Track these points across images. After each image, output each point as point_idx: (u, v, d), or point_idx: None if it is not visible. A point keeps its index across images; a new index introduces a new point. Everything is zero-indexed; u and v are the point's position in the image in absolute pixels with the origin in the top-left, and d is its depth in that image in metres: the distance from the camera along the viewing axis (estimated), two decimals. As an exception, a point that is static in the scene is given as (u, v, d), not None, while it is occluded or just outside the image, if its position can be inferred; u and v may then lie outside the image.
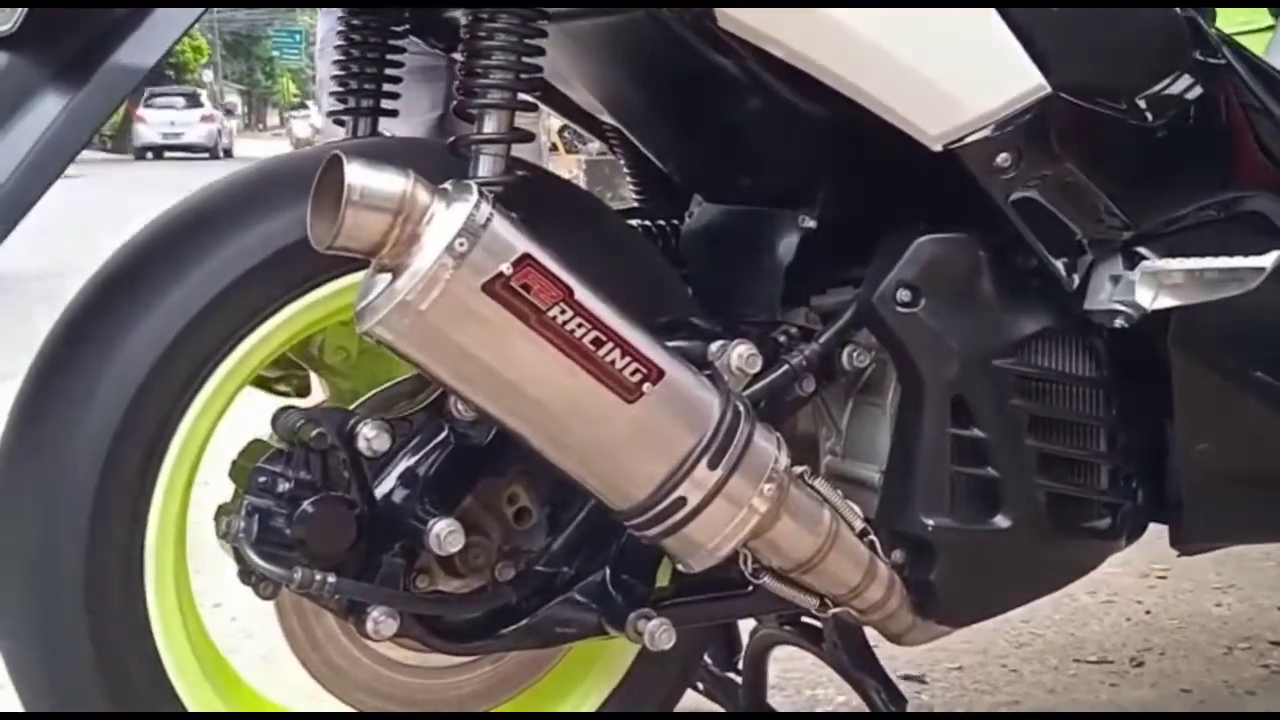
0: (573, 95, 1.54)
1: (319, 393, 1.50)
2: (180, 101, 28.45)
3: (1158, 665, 1.98)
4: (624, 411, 1.11)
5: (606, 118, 1.56)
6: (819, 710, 1.76)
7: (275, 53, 49.04)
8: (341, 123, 1.42)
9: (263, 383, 1.48)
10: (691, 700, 1.51)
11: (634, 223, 1.56)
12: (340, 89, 1.42)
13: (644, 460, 1.14)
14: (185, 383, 1.16)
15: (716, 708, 1.65)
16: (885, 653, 1.50)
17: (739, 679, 1.69)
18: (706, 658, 1.72)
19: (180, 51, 27.50)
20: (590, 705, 1.38)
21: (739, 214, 1.48)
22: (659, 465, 1.14)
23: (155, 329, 1.15)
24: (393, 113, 1.43)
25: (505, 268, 1.05)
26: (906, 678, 1.89)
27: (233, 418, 1.24)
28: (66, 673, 1.16)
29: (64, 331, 1.18)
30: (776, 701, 1.74)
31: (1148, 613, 2.19)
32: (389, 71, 1.42)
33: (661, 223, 1.57)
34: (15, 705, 1.19)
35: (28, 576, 1.15)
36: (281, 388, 1.50)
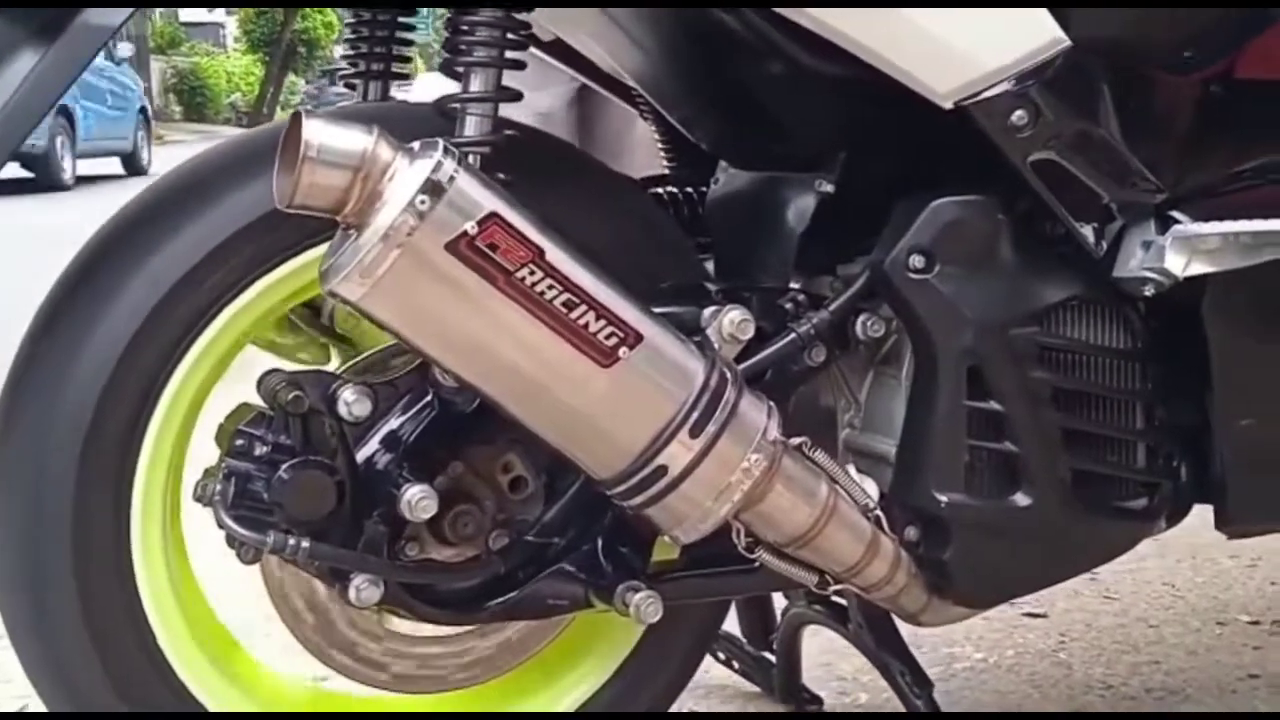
0: (594, 60, 1.51)
1: (336, 363, 1.50)
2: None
3: (1302, 629, 1.92)
4: (600, 377, 1.08)
5: (631, 82, 1.53)
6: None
7: (403, 30, 49.76)
8: (352, 86, 1.41)
9: (284, 351, 1.48)
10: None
11: (660, 190, 1.52)
12: (352, 52, 1.40)
13: (623, 427, 1.10)
14: (170, 347, 1.16)
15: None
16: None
17: (773, 658, 1.66)
18: (741, 636, 1.69)
19: (312, 28, 28.26)
20: (602, 675, 1.36)
21: (759, 180, 1.43)
22: (638, 433, 1.10)
23: (140, 294, 1.15)
24: (405, 76, 1.42)
25: (470, 226, 1.02)
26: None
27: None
28: (55, 632, 1.17)
29: (57, 294, 1.18)
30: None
31: (1291, 576, 2.13)
32: (400, 34, 1.40)
33: (689, 190, 1.53)
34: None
35: (17, 536, 1.16)
36: (302, 356, 1.49)
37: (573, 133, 2.22)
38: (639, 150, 2.10)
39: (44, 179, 10.50)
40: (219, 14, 29.71)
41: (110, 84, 12.76)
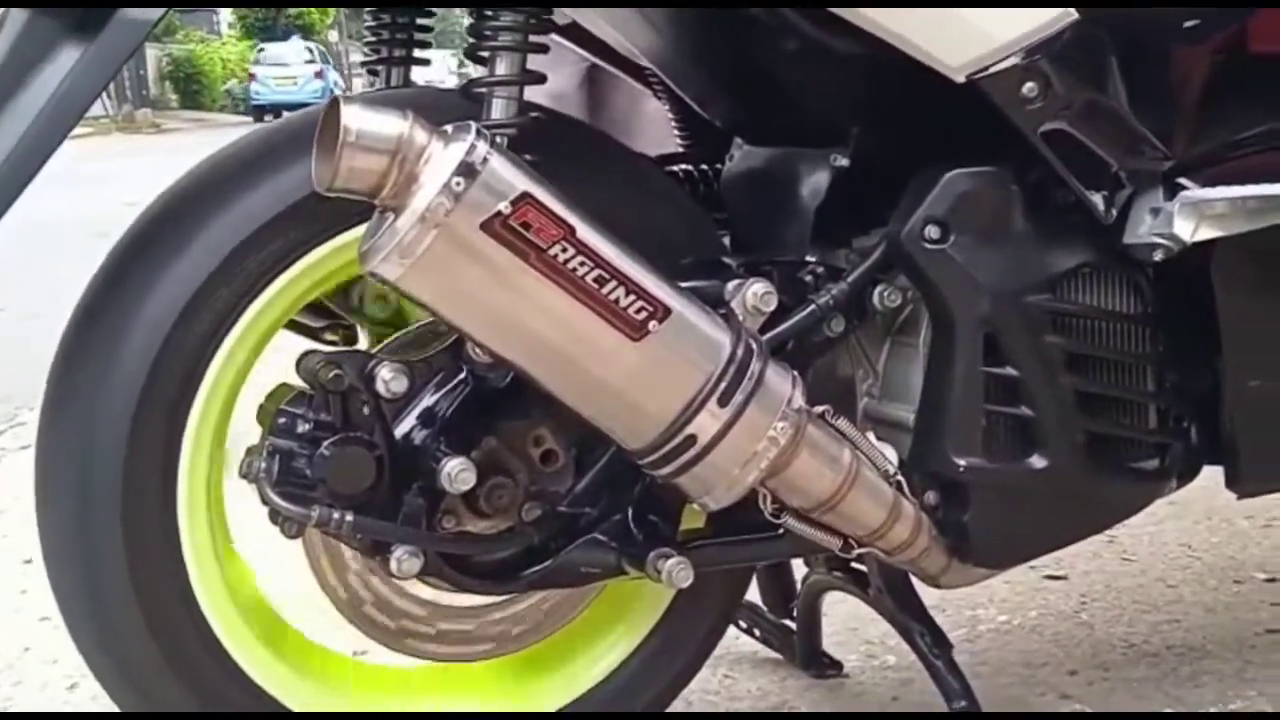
0: (608, 40, 1.54)
1: (365, 343, 1.53)
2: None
3: (1319, 587, 1.97)
4: (630, 350, 1.11)
5: (645, 62, 1.56)
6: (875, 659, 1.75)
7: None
8: (375, 72, 1.44)
9: (311, 333, 1.52)
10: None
11: (675, 168, 1.55)
12: (374, 39, 1.43)
13: (653, 398, 1.14)
14: (214, 326, 1.19)
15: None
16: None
17: (794, 625, 1.70)
18: (762, 604, 1.73)
19: (305, 14, 28.39)
20: (631, 642, 1.40)
21: (774, 155, 1.46)
22: (668, 403, 1.14)
23: (183, 275, 1.18)
24: (425, 61, 1.45)
25: (504, 206, 1.06)
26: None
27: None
28: (106, 600, 1.20)
29: (103, 276, 1.22)
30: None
31: (1308, 535, 2.17)
32: (421, 21, 1.43)
33: (704, 167, 1.56)
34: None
35: (68, 512, 1.20)
36: (329, 337, 1.53)
37: (583, 112, 2.25)
38: (648, 129, 2.14)
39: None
40: (213, 0, 29.73)
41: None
